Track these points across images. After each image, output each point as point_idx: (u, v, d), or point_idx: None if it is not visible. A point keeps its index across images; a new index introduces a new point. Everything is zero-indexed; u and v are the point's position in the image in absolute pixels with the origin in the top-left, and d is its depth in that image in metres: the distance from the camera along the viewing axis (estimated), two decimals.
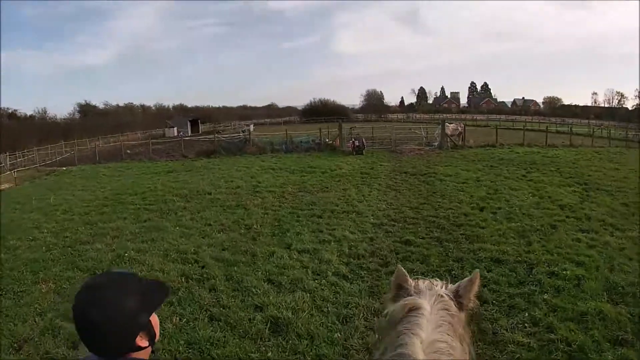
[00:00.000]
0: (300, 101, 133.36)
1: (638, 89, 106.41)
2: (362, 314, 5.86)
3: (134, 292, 1.41)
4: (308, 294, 6.47)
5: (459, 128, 30.97)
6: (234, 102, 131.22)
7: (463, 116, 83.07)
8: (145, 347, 1.44)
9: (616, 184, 15.17)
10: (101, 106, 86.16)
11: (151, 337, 1.46)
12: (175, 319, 5.75)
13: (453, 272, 7.13)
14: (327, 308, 6.05)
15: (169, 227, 10.42)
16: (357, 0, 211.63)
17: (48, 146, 41.41)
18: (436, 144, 29.11)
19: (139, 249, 8.92)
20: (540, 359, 4.89)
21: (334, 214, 11.24)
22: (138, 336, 1.41)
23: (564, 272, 7.09)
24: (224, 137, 35.44)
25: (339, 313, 5.90)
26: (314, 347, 5.13)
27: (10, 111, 69.95)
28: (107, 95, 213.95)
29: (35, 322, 5.93)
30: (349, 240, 9.04)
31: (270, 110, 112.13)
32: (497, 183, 15.34)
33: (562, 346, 5.04)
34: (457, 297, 1.36)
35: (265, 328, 5.52)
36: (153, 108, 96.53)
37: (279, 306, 6.07)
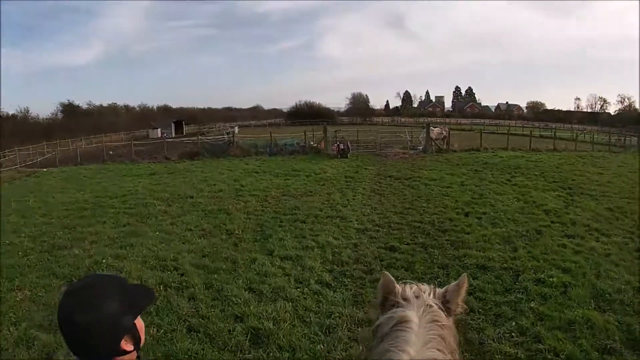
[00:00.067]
0: (286, 103, 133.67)
1: (621, 94, 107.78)
2: (345, 324, 5.68)
3: (119, 294, 1.40)
4: (290, 303, 6.26)
5: (443, 132, 30.99)
6: (219, 104, 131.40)
7: (447, 120, 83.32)
8: (130, 352, 1.41)
9: (600, 189, 15.27)
10: (84, 106, 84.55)
11: (136, 341, 1.43)
12: (153, 330, 5.49)
13: (438, 279, 7.02)
14: (310, 318, 5.86)
15: (149, 232, 10.15)
16: (344, 3, 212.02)
17: (29, 146, 40.42)
18: (421, 147, 29.11)
19: (117, 255, 8.62)
20: None
21: (317, 219, 11.06)
22: (123, 340, 1.38)
23: (551, 279, 7.03)
24: (207, 139, 34.99)
25: (321, 323, 5.71)
26: (296, 359, 4.93)
27: None
28: (90, 95, 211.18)
29: (9, 332, 5.64)
30: (333, 246, 8.87)
31: (256, 112, 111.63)
32: (481, 187, 15.30)
33: (550, 356, 4.96)
34: (445, 302, 1.32)
35: (246, 340, 5.31)
36: (137, 109, 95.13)
37: (260, 316, 5.86)
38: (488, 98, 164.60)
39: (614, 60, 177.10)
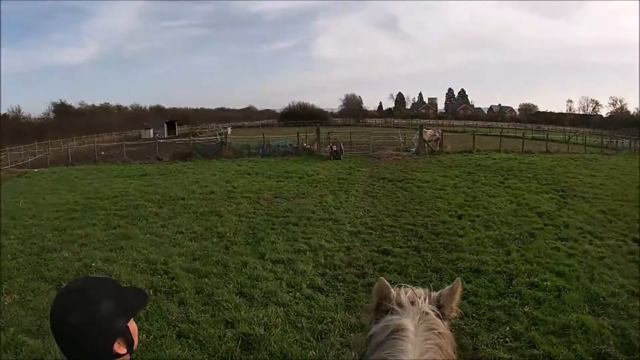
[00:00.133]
0: (279, 104, 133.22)
1: (613, 97, 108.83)
2: (337, 330, 5.59)
3: (112, 296, 1.39)
4: (281, 308, 6.17)
5: (436, 134, 31.00)
6: (212, 104, 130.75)
7: (440, 122, 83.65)
8: (123, 355, 1.40)
9: (593, 191, 15.29)
10: (77, 106, 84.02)
11: (129, 344, 1.42)
12: (142, 336, 5.36)
13: (432, 283, 6.87)
14: (302, 323, 5.77)
15: (139, 235, 10.00)
16: (339, 3, 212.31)
17: (21, 146, 40.05)
18: (414, 149, 29.10)
19: (106, 258, 8.47)
20: None
21: (310, 222, 10.96)
22: (116, 342, 1.37)
23: (544, 283, 6.98)
24: (199, 140, 34.82)
25: (313, 329, 5.62)
26: None
27: None
28: (83, 95, 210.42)
29: None
30: (325, 249, 8.77)
31: (249, 113, 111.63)
32: (474, 190, 15.26)
33: None
34: (439, 306, 1.30)
35: (236, 346, 5.20)
36: (129, 109, 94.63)
37: (251, 322, 5.76)
38: (481, 100, 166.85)
39: (606, 63, 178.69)
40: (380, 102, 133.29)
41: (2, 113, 68.33)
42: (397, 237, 9.65)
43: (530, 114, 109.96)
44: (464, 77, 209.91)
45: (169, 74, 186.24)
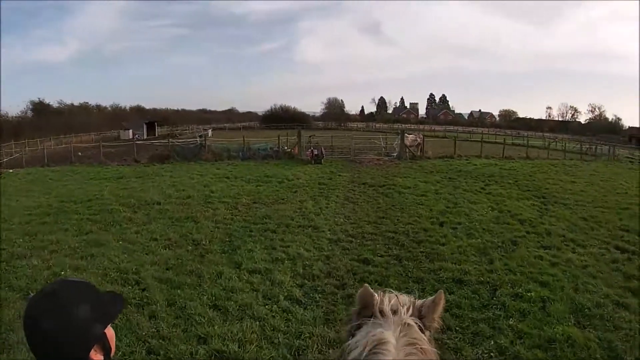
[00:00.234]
0: (261, 107, 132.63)
1: (592, 104, 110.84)
2: (315, 346, 5.31)
3: (88, 301, 1.34)
4: (257, 323, 5.85)
5: (417, 139, 30.97)
6: (193, 106, 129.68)
7: (421, 127, 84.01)
8: None
9: (574, 197, 15.42)
10: (55, 105, 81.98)
11: (106, 352, 1.38)
12: None
13: (414, 294, 6.69)
14: (278, 339, 5.47)
15: (112, 242, 9.57)
16: (322, 6, 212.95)
17: None
18: (395, 154, 29.06)
19: (76, 266, 8.05)
20: None
21: (289, 229, 10.64)
22: (92, 349, 1.33)
23: (529, 294, 6.85)
24: (178, 142, 34.26)
25: (290, 345, 5.33)
26: None
27: None
28: (62, 93, 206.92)
29: None
30: (304, 258, 8.47)
31: (230, 115, 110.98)
32: (456, 196, 15.16)
33: None
34: (421, 317, 1.25)
35: None
36: (109, 108, 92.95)
37: (225, 337, 5.44)
38: (461, 106, 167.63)
39: (585, 71, 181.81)
40: (362, 106, 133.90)
41: None
42: (378, 246, 9.42)
43: (510, 120, 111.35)
44: (445, 83, 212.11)
45: (150, 74, 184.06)
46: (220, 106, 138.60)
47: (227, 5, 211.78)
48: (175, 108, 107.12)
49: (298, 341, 5.42)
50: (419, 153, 29.24)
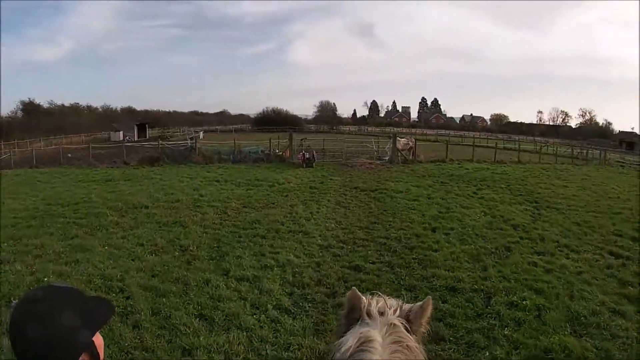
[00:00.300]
0: (253, 109, 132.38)
1: (583, 108, 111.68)
2: (305, 358, 5.12)
3: (76, 307, 1.28)
4: (244, 333, 5.63)
5: (409, 143, 30.90)
6: (185, 107, 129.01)
7: (413, 130, 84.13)
8: None
9: (566, 202, 15.43)
10: (46, 105, 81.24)
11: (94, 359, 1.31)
12: None
13: (406, 302, 6.52)
14: (266, 351, 5.27)
15: (97, 247, 9.33)
16: (315, 9, 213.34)
17: None
18: (387, 158, 28.95)
19: (60, 272, 7.81)
20: None
21: (279, 234, 10.43)
22: (80, 357, 1.26)
23: (524, 302, 6.73)
24: (168, 145, 33.90)
25: (278, 357, 5.15)
26: None
27: None
28: (53, 93, 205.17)
29: None
30: (294, 265, 8.26)
31: (222, 117, 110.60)
32: (448, 201, 15.06)
33: None
34: (408, 321, 1.26)
35: None
36: (100, 109, 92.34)
37: (210, 349, 5.24)
38: (453, 109, 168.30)
39: (576, 75, 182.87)
40: (355, 110, 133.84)
41: None
42: (369, 252, 9.24)
43: (501, 124, 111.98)
44: (437, 87, 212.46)
45: (142, 75, 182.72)
46: (212, 108, 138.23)
47: (220, 7, 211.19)
48: (167, 110, 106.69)
49: (287, 353, 5.24)
50: (411, 157, 29.20)
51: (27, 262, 8.37)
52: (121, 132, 61.71)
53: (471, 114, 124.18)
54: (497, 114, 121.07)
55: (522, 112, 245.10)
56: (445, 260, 8.70)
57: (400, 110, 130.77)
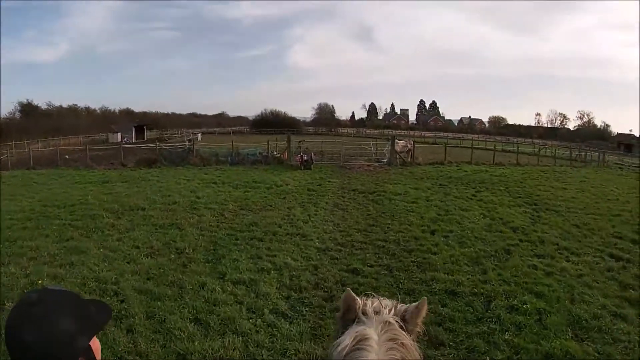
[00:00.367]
0: (251, 111, 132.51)
1: (581, 110, 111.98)
2: None
3: (73, 311, 1.26)
4: (240, 338, 5.52)
5: (408, 145, 30.84)
6: (183, 109, 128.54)
7: (411, 133, 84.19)
8: None
9: (565, 204, 15.37)
10: (44, 106, 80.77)
11: None
12: None
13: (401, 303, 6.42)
14: (262, 356, 5.16)
15: (92, 249, 9.20)
16: (314, 12, 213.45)
17: None
18: (385, 160, 28.89)
19: (54, 274, 7.70)
20: None
21: (276, 237, 10.32)
22: None
23: (524, 306, 6.63)
24: (166, 146, 33.80)
25: None
26: None
27: None
28: (51, 95, 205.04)
29: None
30: (291, 268, 8.14)
31: (221, 119, 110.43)
32: (447, 203, 14.97)
33: None
34: (404, 321, 1.30)
35: None
36: (98, 111, 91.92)
37: (205, 354, 5.13)
38: (451, 112, 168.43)
39: (574, 77, 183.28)
40: (353, 112, 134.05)
41: None
42: (367, 255, 9.13)
43: (499, 127, 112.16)
44: (435, 89, 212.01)
45: (141, 77, 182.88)
46: (210, 110, 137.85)
47: (219, 10, 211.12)
48: (166, 111, 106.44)
49: (283, 359, 5.15)
50: (409, 159, 29.12)
51: (21, 264, 8.26)
52: (119, 134, 61.71)
53: (469, 117, 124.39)
54: (495, 117, 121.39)
55: (520, 115, 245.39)
56: (445, 263, 8.60)
57: (398, 113, 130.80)
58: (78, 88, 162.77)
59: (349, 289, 1.37)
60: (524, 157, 35.25)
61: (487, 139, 70.20)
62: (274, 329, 5.82)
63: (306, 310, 6.44)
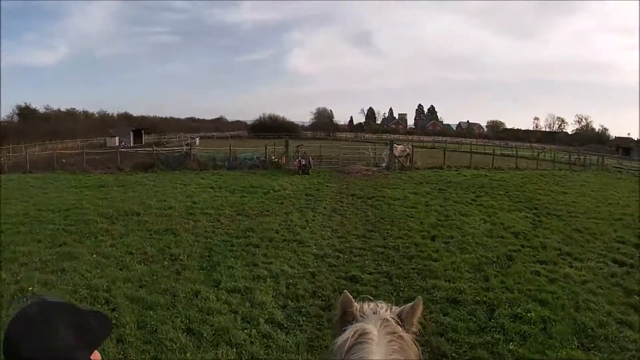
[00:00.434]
0: (250, 116, 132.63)
1: (579, 114, 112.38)
2: None
3: (73, 324, 1.22)
4: (234, 350, 5.31)
5: (406, 149, 30.74)
6: (182, 114, 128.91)
7: (410, 137, 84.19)
8: None
9: (566, 209, 15.31)
10: (42, 110, 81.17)
11: None
12: None
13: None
14: None
15: (85, 255, 8.99)
16: (313, 17, 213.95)
17: None
18: (384, 164, 28.79)
19: (45, 281, 7.49)
20: None
21: (272, 243, 10.09)
22: None
23: (529, 315, 6.45)
24: (163, 151, 33.59)
25: None
26: None
27: None
28: (51, 98, 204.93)
29: None
30: (288, 276, 7.92)
31: (219, 124, 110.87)
32: (446, 208, 14.81)
33: None
34: (400, 321, 1.33)
35: None
36: (96, 115, 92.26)
37: None
38: (449, 116, 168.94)
39: (572, 82, 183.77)
40: (351, 117, 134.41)
41: None
42: (366, 262, 8.91)
43: (497, 131, 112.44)
44: (433, 94, 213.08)
45: (140, 81, 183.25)
46: (209, 115, 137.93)
47: (218, 15, 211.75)
48: (164, 116, 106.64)
49: None
50: (408, 163, 29.00)
51: (12, 270, 8.07)
52: (117, 138, 61.68)
53: (467, 121, 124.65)
54: (493, 121, 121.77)
55: (518, 119, 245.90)
56: (446, 270, 8.40)
57: (396, 117, 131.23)
58: (77, 91, 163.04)
59: (345, 291, 1.42)
60: (523, 161, 35.26)
61: (486, 143, 70.21)
62: (270, 340, 5.61)
63: (303, 320, 6.22)
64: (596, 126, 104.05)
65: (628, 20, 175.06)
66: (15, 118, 74.97)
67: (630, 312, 6.65)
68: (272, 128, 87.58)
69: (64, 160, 31.12)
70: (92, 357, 1.27)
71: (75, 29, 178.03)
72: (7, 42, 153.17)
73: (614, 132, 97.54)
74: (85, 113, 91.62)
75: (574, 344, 5.62)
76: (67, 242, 10.05)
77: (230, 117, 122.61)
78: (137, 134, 68.10)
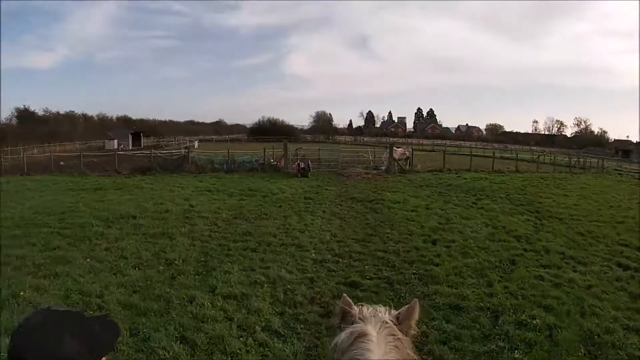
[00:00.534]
0: (249, 119, 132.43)
1: (578, 117, 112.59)
2: None
3: (79, 333, 1.20)
4: (229, 359, 5.11)
5: (406, 152, 30.62)
6: (181, 117, 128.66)
7: (409, 140, 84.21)
8: None
9: (568, 212, 15.18)
10: (41, 113, 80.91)
11: None
12: None
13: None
14: None
15: (79, 259, 8.80)
16: (311, 21, 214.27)
17: None
18: (383, 167, 28.63)
19: (38, 286, 7.28)
20: None
21: (270, 247, 9.90)
22: None
23: (533, 321, 6.26)
24: (161, 154, 33.43)
25: None
26: None
27: None
28: (50, 101, 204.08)
29: None
30: (286, 281, 7.71)
31: (218, 127, 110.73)
32: (447, 211, 14.65)
33: None
34: (398, 323, 1.34)
35: None
36: (95, 118, 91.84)
37: None
38: (448, 120, 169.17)
39: (571, 85, 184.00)
40: (351, 120, 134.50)
41: None
42: (366, 267, 8.71)
43: (496, 134, 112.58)
44: (432, 97, 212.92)
45: (139, 84, 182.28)
46: (208, 118, 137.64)
47: (217, 18, 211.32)
48: (163, 119, 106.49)
49: None
50: (407, 167, 28.89)
51: (5, 274, 7.88)
52: (115, 141, 61.54)
53: (467, 124, 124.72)
54: (492, 124, 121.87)
55: (517, 122, 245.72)
56: (448, 275, 8.21)
57: (396, 121, 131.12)
58: (76, 94, 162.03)
59: (344, 294, 1.42)
60: (523, 164, 35.13)
61: (485, 147, 70.21)
62: (266, 349, 5.41)
63: (301, 328, 6.01)
64: (595, 129, 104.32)
65: (628, 23, 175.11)
66: (14, 120, 74.96)
67: (636, 318, 6.49)
68: (271, 131, 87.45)
69: (61, 163, 31.08)
70: None
71: (74, 32, 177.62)
72: (6, 44, 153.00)
73: (613, 135, 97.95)
74: (84, 116, 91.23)
75: (581, 352, 5.46)
76: (61, 245, 9.89)
77: (230, 121, 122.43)
78: (136, 137, 67.99)
